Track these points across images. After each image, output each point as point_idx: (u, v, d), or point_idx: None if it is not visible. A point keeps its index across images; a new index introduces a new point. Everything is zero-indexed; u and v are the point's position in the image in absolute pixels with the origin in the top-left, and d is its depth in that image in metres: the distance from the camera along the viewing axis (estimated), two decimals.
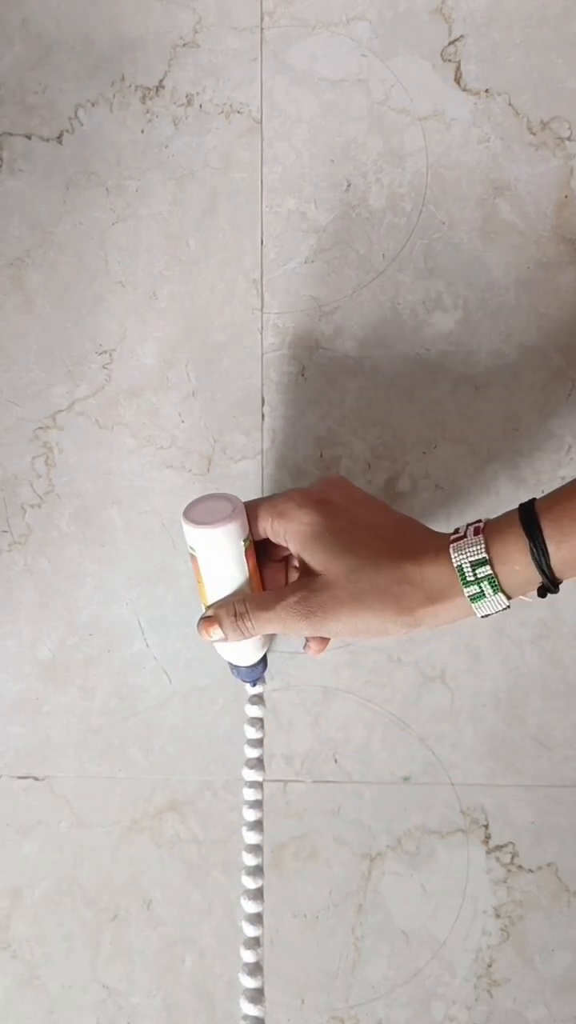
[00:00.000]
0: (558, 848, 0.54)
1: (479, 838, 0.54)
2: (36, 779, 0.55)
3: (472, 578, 0.41)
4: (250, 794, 0.50)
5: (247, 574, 0.46)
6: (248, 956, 0.49)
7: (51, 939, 0.55)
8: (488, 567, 0.41)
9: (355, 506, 0.46)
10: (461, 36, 0.53)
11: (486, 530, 0.42)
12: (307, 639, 0.49)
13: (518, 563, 0.41)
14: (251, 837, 0.51)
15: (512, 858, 0.54)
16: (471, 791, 0.54)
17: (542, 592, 0.42)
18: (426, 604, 0.42)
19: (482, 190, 0.53)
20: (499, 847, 0.54)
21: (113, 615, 0.55)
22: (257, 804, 0.51)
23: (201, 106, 0.54)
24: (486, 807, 0.54)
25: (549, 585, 0.41)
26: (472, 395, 0.54)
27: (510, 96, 0.53)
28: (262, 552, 0.48)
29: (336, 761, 0.55)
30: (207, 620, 0.46)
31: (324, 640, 0.49)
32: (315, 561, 0.44)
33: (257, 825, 0.50)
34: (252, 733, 0.51)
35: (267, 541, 0.47)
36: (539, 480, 0.54)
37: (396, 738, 0.54)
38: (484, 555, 0.41)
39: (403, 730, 0.54)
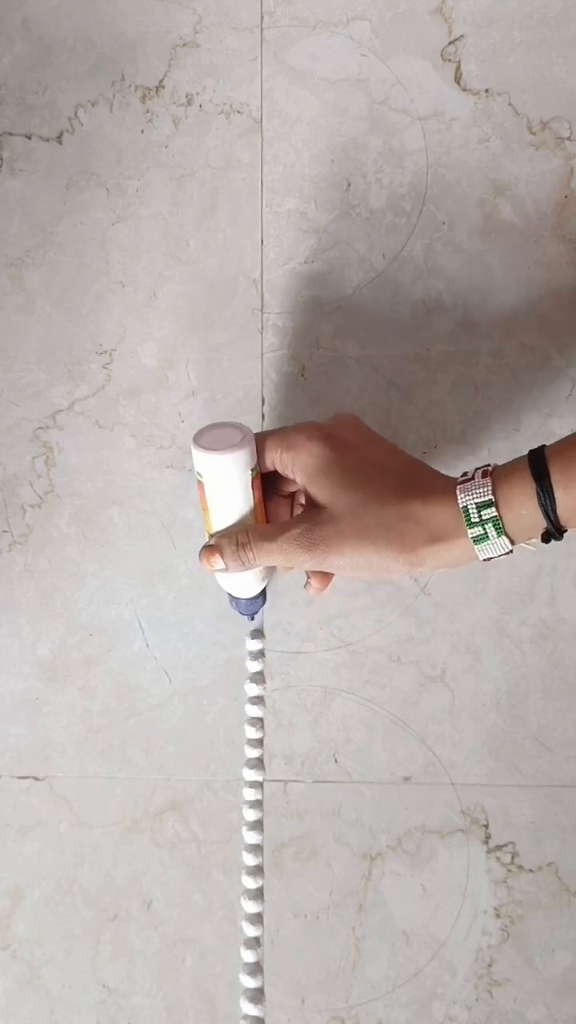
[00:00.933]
0: (558, 848, 0.54)
1: (479, 838, 0.54)
2: (36, 779, 0.55)
3: (476, 520, 0.41)
4: (250, 794, 0.50)
5: (252, 505, 0.46)
6: (248, 956, 0.49)
7: (51, 939, 0.55)
8: (493, 509, 0.41)
9: (365, 444, 0.46)
10: (461, 36, 0.53)
11: (494, 474, 0.42)
12: (308, 577, 0.49)
13: (524, 507, 0.41)
14: (251, 837, 0.51)
15: (512, 858, 0.54)
16: (471, 791, 0.54)
17: (546, 538, 0.42)
18: (429, 543, 0.42)
19: (482, 190, 0.53)
20: (499, 847, 0.54)
21: (113, 615, 0.55)
22: (257, 804, 0.51)
23: (201, 106, 0.54)
24: (486, 807, 0.54)
25: (554, 531, 0.41)
26: (472, 395, 0.54)
27: (510, 96, 0.53)
28: (269, 487, 0.48)
29: (336, 761, 0.55)
30: (209, 549, 0.46)
31: (325, 578, 0.49)
32: (321, 495, 0.44)
33: (257, 825, 0.50)
34: (252, 733, 0.51)
35: (274, 476, 0.47)
36: None
37: (396, 738, 0.54)
38: (490, 497, 0.41)
39: (403, 730, 0.54)
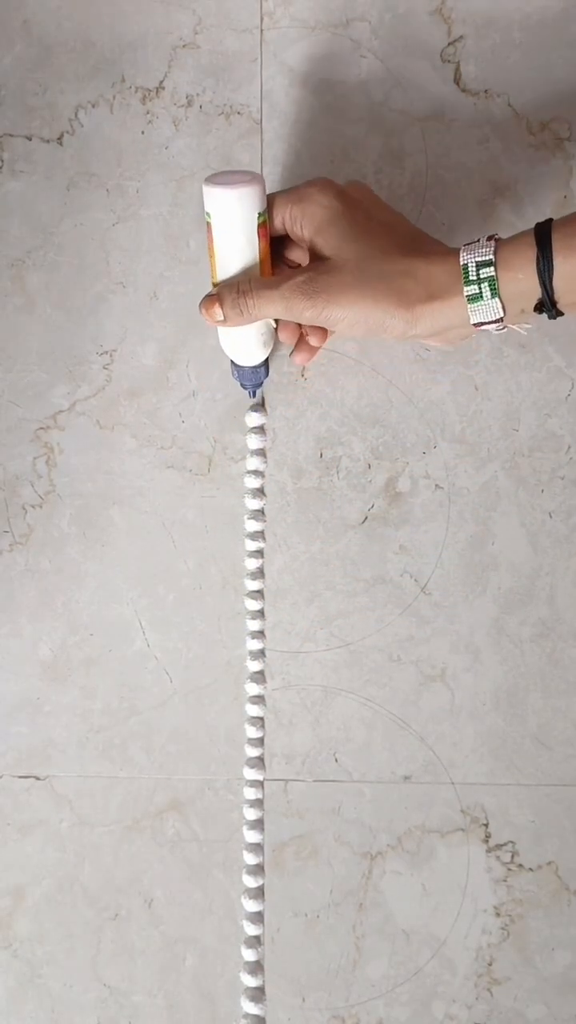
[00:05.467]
0: (558, 847, 0.54)
1: (479, 837, 0.54)
2: (37, 779, 0.55)
3: (474, 278, 0.43)
4: (251, 793, 0.51)
5: (257, 255, 0.46)
6: (249, 955, 0.50)
7: (52, 938, 0.55)
8: (492, 269, 0.42)
9: (375, 206, 0.47)
10: (461, 37, 0.53)
11: (499, 240, 0.43)
12: (298, 342, 0.50)
13: (522, 271, 0.42)
14: (252, 836, 0.51)
15: (512, 857, 0.54)
16: (471, 790, 0.54)
17: (539, 308, 0.43)
18: (426, 301, 0.43)
19: (482, 191, 0.53)
20: (499, 846, 0.54)
21: (114, 615, 0.55)
22: (258, 803, 0.51)
23: (201, 107, 0.54)
24: (486, 806, 0.54)
25: (547, 301, 0.42)
26: (472, 395, 0.54)
27: (509, 97, 0.53)
28: (276, 255, 0.49)
29: (336, 760, 0.55)
30: (209, 299, 0.46)
31: (319, 337, 0.49)
32: (327, 246, 0.45)
33: (258, 824, 0.51)
34: (252, 732, 0.51)
35: (283, 244, 0.48)
36: (539, 480, 0.54)
37: (396, 737, 0.54)
38: (491, 257, 0.42)
39: (403, 729, 0.54)
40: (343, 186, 0.47)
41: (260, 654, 0.53)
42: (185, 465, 0.55)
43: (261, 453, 0.51)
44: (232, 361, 0.50)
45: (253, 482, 0.51)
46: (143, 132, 0.54)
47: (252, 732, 0.51)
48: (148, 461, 0.55)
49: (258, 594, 0.54)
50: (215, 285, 0.47)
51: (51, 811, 0.55)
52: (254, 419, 0.51)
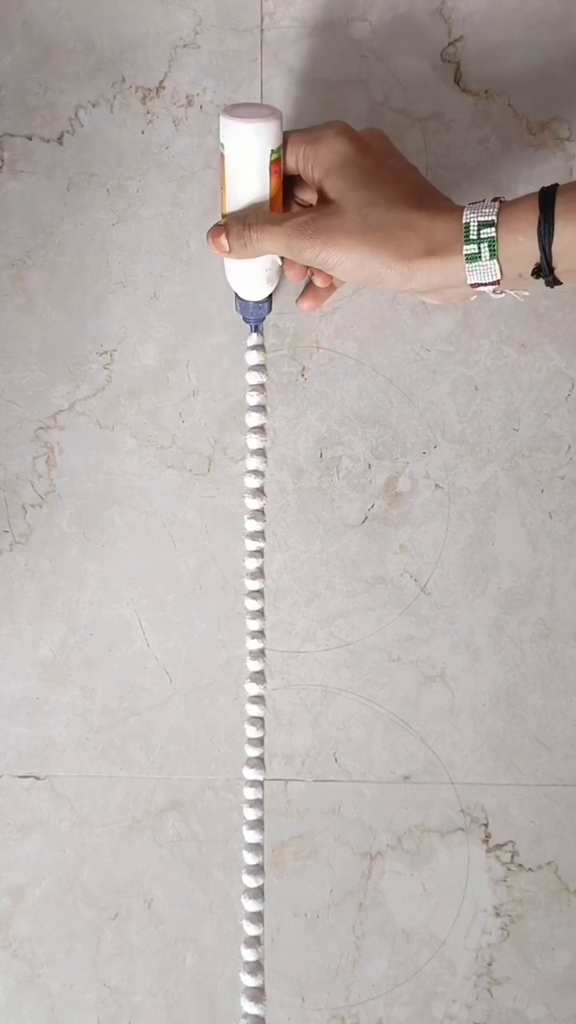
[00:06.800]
0: (558, 847, 0.54)
1: (479, 837, 0.54)
2: (37, 778, 0.55)
3: (475, 237, 0.43)
4: (250, 793, 0.51)
5: (268, 192, 0.46)
6: (249, 955, 0.50)
7: (52, 938, 0.55)
8: (492, 230, 0.42)
9: (388, 156, 0.47)
10: (461, 37, 0.53)
11: (504, 202, 0.44)
12: (304, 289, 0.51)
13: (522, 234, 0.42)
14: (252, 836, 0.51)
15: (512, 857, 0.54)
16: (471, 790, 0.54)
17: (536, 273, 0.43)
18: (424, 256, 0.43)
19: (482, 191, 0.53)
20: (499, 846, 0.54)
21: (114, 615, 0.55)
22: (258, 803, 0.51)
23: (201, 107, 0.54)
24: (486, 806, 0.54)
25: (545, 266, 0.42)
26: (472, 395, 0.54)
27: (510, 97, 0.53)
28: (288, 195, 0.49)
29: (336, 760, 0.55)
30: (216, 229, 0.47)
31: (321, 290, 0.50)
32: (334, 190, 0.45)
33: (257, 824, 0.50)
34: (252, 732, 0.51)
35: (296, 185, 0.49)
36: (539, 480, 0.54)
37: (396, 737, 0.54)
38: (493, 218, 0.42)
39: (403, 729, 0.55)
40: (359, 132, 0.47)
41: (260, 654, 0.53)
42: (185, 465, 0.55)
43: (261, 453, 0.51)
44: (236, 295, 0.50)
45: (253, 482, 0.51)
46: (143, 132, 0.54)
47: (252, 732, 0.51)
48: (148, 461, 0.55)
49: (258, 594, 0.54)
50: (224, 216, 0.47)
51: (51, 811, 0.55)
52: (254, 419, 0.51)
